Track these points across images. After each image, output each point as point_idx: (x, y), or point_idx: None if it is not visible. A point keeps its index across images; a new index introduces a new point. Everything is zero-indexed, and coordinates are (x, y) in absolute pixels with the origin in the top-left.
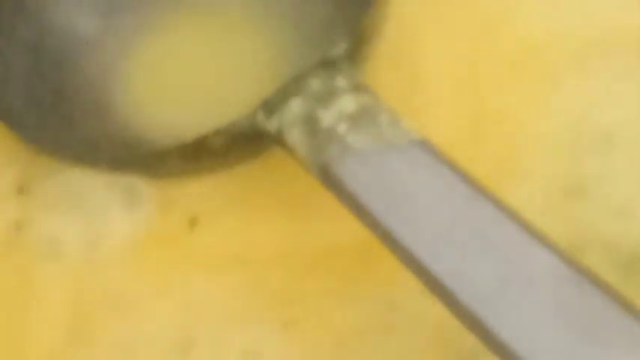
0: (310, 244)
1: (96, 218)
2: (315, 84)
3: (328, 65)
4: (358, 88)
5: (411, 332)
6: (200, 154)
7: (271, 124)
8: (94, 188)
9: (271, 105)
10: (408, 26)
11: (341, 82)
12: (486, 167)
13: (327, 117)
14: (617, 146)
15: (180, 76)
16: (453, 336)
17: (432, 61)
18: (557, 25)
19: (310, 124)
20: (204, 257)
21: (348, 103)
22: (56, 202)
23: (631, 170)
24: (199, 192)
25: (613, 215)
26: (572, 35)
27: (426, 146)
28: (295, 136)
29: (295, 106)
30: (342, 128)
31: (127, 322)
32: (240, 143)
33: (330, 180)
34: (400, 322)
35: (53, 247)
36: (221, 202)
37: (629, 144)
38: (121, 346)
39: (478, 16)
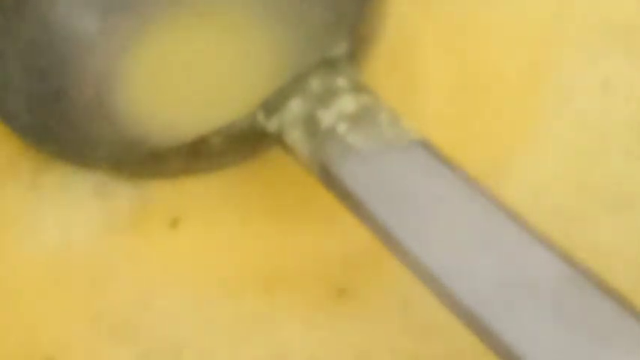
0: (295, 251)
1: (76, 214)
2: (315, 84)
3: (328, 65)
4: (358, 88)
5: (397, 341)
6: (200, 154)
7: (271, 124)
8: (75, 184)
9: (271, 105)
10: (407, 27)
11: (341, 82)
12: (485, 167)
13: (327, 117)
14: (615, 148)
15: (180, 76)
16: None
17: (431, 61)
18: (554, 28)
19: (310, 124)
20: (183, 257)
21: (348, 103)
22: (39, 197)
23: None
24: (185, 191)
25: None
26: (569, 37)
27: (426, 146)
28: (295, 136)
29: (295, 106)
30: (342, 128)
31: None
32: (240, 143)
33: (330, 180)
34: (387, 331)
35: (35, 240)
36: (205, 204)
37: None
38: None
39: (477, 17)
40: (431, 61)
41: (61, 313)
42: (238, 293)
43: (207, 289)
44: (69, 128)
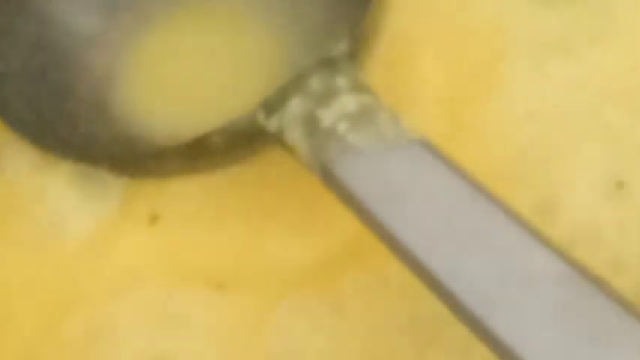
0: (267, 258)
1: (59, 209)
2: (315, 83)
3: (328, 65)
4: (358, 87)
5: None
6: (200, 154)
7: (271, 124)
8: (57, 180)
9: (271, 105)
10: (407, 27)
11: (341, 81)
12: (484, 167)
13: (327, 116)
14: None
15: (181, 75)
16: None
17: (430, 61)
18: (551, 29)
19: (310, 123)
20: (159, 256)
21: (348, 102)
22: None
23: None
24: (166, 190)
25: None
26: (564, 39)
27: (426, 146)
28: (295, 136)
29: (295, 106)
30: (342, 128)
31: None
32: (240, 143)
33: (330, 180)
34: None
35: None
36: (187, 203)
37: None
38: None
39: (476, 18)
40: (430, 61)
41: (40, 306)
42: (208, 289)
43: (181, 283)
44: (69, 127)
